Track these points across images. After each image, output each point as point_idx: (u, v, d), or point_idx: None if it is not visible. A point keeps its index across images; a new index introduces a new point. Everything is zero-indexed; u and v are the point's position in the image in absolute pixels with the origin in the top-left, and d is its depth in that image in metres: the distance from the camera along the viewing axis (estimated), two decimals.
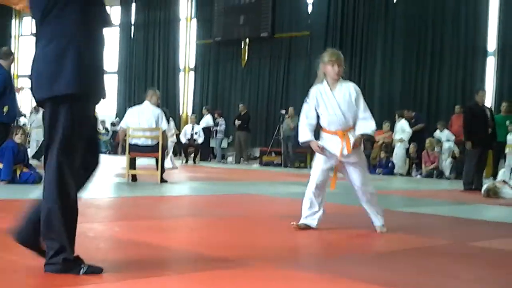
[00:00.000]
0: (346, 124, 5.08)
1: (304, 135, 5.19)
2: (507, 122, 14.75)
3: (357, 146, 5.07)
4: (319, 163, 5.23)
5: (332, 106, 5.09)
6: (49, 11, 3.20)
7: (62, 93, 3.16)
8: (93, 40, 3.28)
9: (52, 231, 3.14)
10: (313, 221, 5.23)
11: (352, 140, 5.06)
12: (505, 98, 15.95)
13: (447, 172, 15.27)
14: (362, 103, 5.10)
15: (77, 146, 3.23)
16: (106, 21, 3.38)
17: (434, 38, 17.55)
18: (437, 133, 16.03)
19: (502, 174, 10.40)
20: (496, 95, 16.28)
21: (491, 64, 16.81)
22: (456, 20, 17.14)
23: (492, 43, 16.77)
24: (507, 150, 14.76)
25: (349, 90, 5.11)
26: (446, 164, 15.37)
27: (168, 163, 12.85)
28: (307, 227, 5.20)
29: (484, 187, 9.70)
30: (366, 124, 5.09)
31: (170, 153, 13.78)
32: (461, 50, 17.05)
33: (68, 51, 3.16)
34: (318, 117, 5.17)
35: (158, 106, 10.02)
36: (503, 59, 16.46)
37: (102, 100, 3.42)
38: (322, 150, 5.15)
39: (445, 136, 15.78)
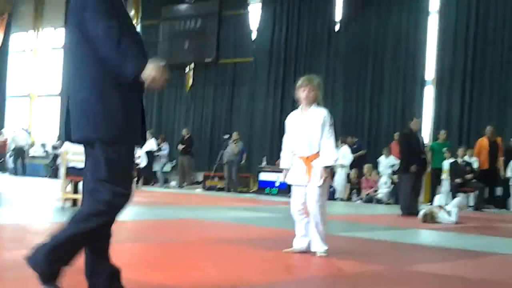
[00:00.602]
0: (311, 150, 5.20)
1: (283, 163, 5.43)
2: (444, 149, 15.19)
3: (324, 181, 5.18)
4: (293, 192, 5.38)
5: (299, 130, 5.25)
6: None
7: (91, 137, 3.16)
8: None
9: None
10: (302, 244, 5.34)
11: (313, 168, 5.17)
12: (443, 125, 16.42)
13: (386, 198, 15.53)
14: (326, 130, 5.19)
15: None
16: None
17: (374, 66, 17.95)
18: (382, 159, 16.29)
19: (438, 199, 10.63)
20: (435, 123, 16.72)
21: (429, 92, 17.28)
22: (396, 49, 17.59)
23: (430, 73, 17.26)
24: (443, 176, 15.17)
25: (318, 114, 5.22)
26: (386, 190, 15.63)
27: None
28: (298, 251, 5.32)
29: (421, 212, 9.91)
30: (328, 155, 5.18)
31: None
32: (400, 78, 17.49)
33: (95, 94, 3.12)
34: None
35: None
36: (441, 88, 16.94)
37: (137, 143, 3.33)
38: (285, 177, 5.39)
39: (391, 162, 16.06)
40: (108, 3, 3.11)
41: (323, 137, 5.19)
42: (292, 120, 5.38)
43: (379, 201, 15.33)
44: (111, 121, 3.09)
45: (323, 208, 5.27)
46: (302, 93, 5.27)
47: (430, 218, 9.57)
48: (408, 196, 11.25)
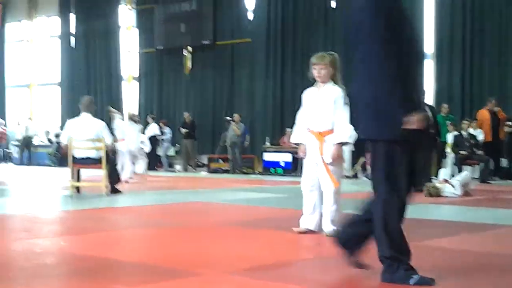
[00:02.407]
0: (325, 126, 5.18)
1: (296, 137, 5.44)
2: (447, 122, 15.16)
3: (335, 159, 5.14)
4: (305, 168, 5.35)
5: (314, 106, 5.24)
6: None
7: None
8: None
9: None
10: (310, 224, 5.32)
11: (326, 143, 5.15)
12: (445, 99, 16.37)
13: None
14: (341, 107, 5.13)
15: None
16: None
17: None
18: None
19: (443, 173, 10.60)
20: (436, 97, 16.67)
21: (429, 66, 17.21)
22: None
23: (429, 46, 17.18)
24: (448, 149, 15.15)
25: (332, 92, 5.18)
26: None
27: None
28: (307, 231, 5.30)
29: (425, 186, 9.91)
30: (342, 132, 5.13)
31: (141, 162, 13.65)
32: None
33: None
34: None
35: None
36: (441, 61, 16.87)
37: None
38: (303, 154, 5.34)
39: None
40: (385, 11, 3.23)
41: (337, 114, 5.14)
42: (308, 96, 5.35)
43: None
44: (392, 121, 3.20)
45: (340, 187, 5.23)
46: (315, 72, 5.23)
47: (434, 193, 9.57)
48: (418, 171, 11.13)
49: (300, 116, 5.42)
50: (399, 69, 3.19)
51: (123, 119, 14.10)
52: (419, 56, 3.37)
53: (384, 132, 3.25)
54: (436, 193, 9.55)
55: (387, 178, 3.29)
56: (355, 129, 3.45)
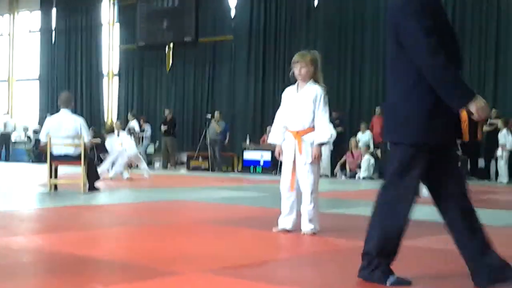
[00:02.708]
0: (302, 125, 5.19)
1: (273, 137, 5.44)
2: None
3: (316, 159, 5.17)
4: (283, 168, 5.35)
5: (293, 105, 5.24)
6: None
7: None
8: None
9: None
10: (287, 223, 5.33)
11: (304, 142, 5.17)
12: None
13: (365, 173, 15.54)
14: (321, 107, 5.16)
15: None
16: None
17: (355, 40, 17.97)
18: (359, 135, 16.41)
19: None
20: None
21: None
22: (375, 23, 17.59)
23: None
24: None
25: (312, 91, 5.19)
26: (365, 164, 15.68)
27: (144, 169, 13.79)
28: (284, 231, 5.31)
29: None
30: (322, 132, 5.15)
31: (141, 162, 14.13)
32: (381, 52, 17.51)
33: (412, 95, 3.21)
34: None
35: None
36: None
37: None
38: (279, 155, 5.35)
39: (366, 137, 16.17)
40: (427, 12, 3.15)
41: (317, 114, 5.15)
42: (287, 95, 5.35)
43: (363, 178, 15.41)
44: (415, 127, 3.22)
45: (314, 186, 5.23)
46: (295, 70, 5.23)
47: None
48: None
49: (279, 115, 5.41)
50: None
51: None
52: (460, 64, 3.38)
53: (406, 136, 3.28)
54: None
55: (399, 180, 3.34)
56: (383, 132, 3.49)
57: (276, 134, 5.40)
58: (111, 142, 13.41)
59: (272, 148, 16.19)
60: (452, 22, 16.14)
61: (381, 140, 16.00)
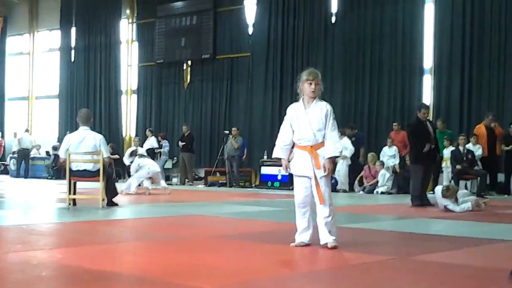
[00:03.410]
0: (315, 141, 5.27)
1: (276, 152, 5.48)
2: (444, 137, 15.20)
3: (329, 173, 5.25)
4: (297, 184, 5.40)
5: (303, 123, 5.30)
6: None
7: None
8: None
9: None
10: (305, 238, 5.37)
11: (320, 156, 5.24)
12: (442, 114, 16.43)
13: (383, 188, 15.45)
14: (331, 122, 5.27)
15: None
16: None
17: (372, 56, 17.95)
18: (385, 149, 16.26)
19: (438, 190, 10.50)
20: (434, 112, 16.72)
21: (427, 81, 17.28)
22: (393, 39, 17.57)
23: (428, 61, 17.25)
24: (443, 164, 15.18)
25: (321, 108, 5.28)
26: (386, 179, 15.59)
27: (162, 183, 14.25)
28: (303, 244, 5.35)
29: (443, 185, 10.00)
30: (334, 146, 5.25)
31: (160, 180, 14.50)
32: (399, 68, 17.49)
33: None
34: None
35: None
36: (439, 76, 16.93)
37: None
38: (286, 169, 5.40)
39: (393, 151, 16.04)
40: None
41: (327, 129, 5.26)
42: (295, 112, 5.38)
43: (382, 192, 15.32)
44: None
45: (330, 199, 5.32)
46: (308, 87, 5.29)
47: (451, 193, 9.68)
48: (419, 187, 11.04)
49: (283, 131, 5.44)
50: None
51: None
52: None
53: None
54: (451, 195, 9.69)
55: None
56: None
57: (282, 149, 5.43)
58: (135, 165, 13.95)
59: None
60: (471, 32, 16.15)
61: (399, 155, 15.93)
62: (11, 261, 4.59)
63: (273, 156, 5.59)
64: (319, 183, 5.25)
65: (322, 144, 5.28)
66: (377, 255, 5.09)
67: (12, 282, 3.77)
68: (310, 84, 5.29)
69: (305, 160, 5.30)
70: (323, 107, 5.30)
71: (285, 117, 5.47)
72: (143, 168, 13.73)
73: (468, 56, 16.43)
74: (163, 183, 14.46)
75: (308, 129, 5.28)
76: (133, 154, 14.56)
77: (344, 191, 16.02)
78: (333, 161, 5.34)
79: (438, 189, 10.04)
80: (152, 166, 13.97)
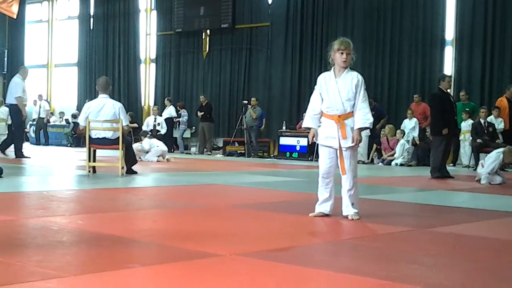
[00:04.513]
0: (344, 111, 5.22)
1: (307, 122, 5.43)
2: (466, 109, 15.05)
3: (356, 143, 5.22)
4: (322, 153, 5.37)
5: (333, 92, 5.24)
6: None
7: None
8: None
9: None
10: (326, 208, 5.37)
11: (347, 126, 5.20)
12: (463, 86, 16.24)
13: (401, 159, 15.34)
14: (362, 93, 5.23)
15: None
16: None
17: (392, 28, 17.73)
18: (406, 121, 16.13)
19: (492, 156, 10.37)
20: (455, 84, 16.53)
21: (449, 53, 17.06)
22: (414, 10, 17.33)
23: (450, 33, 17.02)
24: (461, 137, 15.03)
25: (352, 78, 5.24)
26: (404, 150, 15.46)
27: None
28: (322, 215, 5.35)
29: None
30: (364, 117, 5.20)
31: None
32: (420, 39, 17.27)
33: None
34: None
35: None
36: (461, 48, 16.71)
37: None
38: (312, 138, 5.38)
39: (413, 124, 15.92)
40: None
41: (358, 100, 5.20)
42: (325, 81, 5.32)
43: (401, 164, 15.23)
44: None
45: (355, 171, 5.30)
46: (340, 56, 5.24)
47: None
48: (439, 159, 10.93)
49: (314, 100, 5.38)
50: None
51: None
52: None
53: None
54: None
55: None
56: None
57: (311, 118, 5.38)
58: (146, 146, 14.46)
59: (308, 134, 16.08)
60: (494, 2, 15.86)
61: (419, 127, 15.80)
62: (32, 227, 4.63)
63: (303, 126, 5.58)
64: (344, 154, 5.22)
65: (350, 114, 5.22)
66: (397, 226, 5.08)
67: (34, 247, 3.81)
68: (342, 53, 5.23)
69: (331, 130, 5.25)
70: (354, 77, 5.24)
71: (316, 86, 5.41)
72: (153, 149, 14.32)
73: (490, 27, 16.18)
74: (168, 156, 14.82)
75: (337, 98, 5.22)
76: (144, 134, 15.12)
77: (364, 162, 15.96)
78: (360, 132, 5.25)
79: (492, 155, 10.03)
80: (161, 146, 14.53)
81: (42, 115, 22.70)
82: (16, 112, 13.14)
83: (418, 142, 15.62)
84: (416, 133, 15.78)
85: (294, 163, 15.31)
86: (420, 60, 17.27)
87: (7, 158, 12.82)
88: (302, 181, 9.88)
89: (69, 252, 3.72)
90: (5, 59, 26.75)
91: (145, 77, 23.63)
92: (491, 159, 9.87)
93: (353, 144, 5.20)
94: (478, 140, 14.06)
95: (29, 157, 13.11)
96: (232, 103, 20.94)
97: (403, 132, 15.60)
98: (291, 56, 19.54)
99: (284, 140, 17.67)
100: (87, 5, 24.52)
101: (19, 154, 13.17)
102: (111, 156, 11.74)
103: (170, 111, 19.66)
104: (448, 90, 11.51)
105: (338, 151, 5.23)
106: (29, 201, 6.39)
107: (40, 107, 22.74)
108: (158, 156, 14.29)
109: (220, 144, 20.11)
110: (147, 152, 14.26)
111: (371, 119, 5.24)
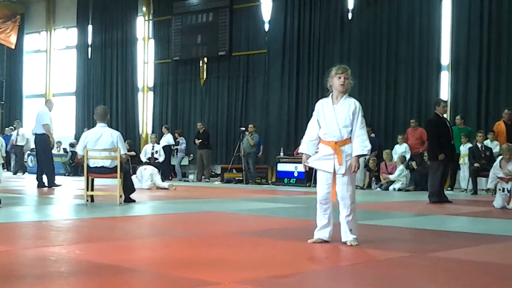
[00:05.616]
0: (341, 137, 5.24)
1: (303, 148, 5.47)
2: (462, 134, 15.09)
3: (354, 171, 5.22)
4: (319, 180, 5.37)
5: (330, 118, 5.27)
6: None
7: None
8: None
9: None
10: (324, 234, 5.37)
11: (344, 153, 5.21)
12: (460, 110, 16.31)
13: (399, 184, 15.35)
14: (359, 120, 5.24)
15: None
16: None
17: (389, 53, 17.86)
18: (397, 147, 16.22)
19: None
20: (451, 108, 16.60)
21: (445, 78, 17.16)
22: (410, 36, 17.47)
23: (445, 57, 17.13)
24: (461, 161, 15.07)
25: (349, 105, 5.26)
26: (402, 179, 15.49)
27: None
28: (321, 241, 5.35)
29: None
30: (362, 144, 5.21)
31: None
32: (416, 64, 17.38)
33: None
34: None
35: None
36: (457, 72, 16.80)
37: None
38: (305, 165, 5.44)
39: (403, 149, 16.00)
40: None
41: (356, 127, 5.22)
42: (322, 107, 5.35)
43: (399, 189, 15.22)
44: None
45: (353, 197, 5.29)
46: (338, 80, 5.28)
47: None
48: (437, 184, 10.95)
49: (311, 126, 5.41)
50: None
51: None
52: None
53: None
54: None
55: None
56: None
57: (307, 144, 5.41)
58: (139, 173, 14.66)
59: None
60: (489, 27, 15.99)
61: (416, 152, 15.83)
62: (31, 257, 4.61)
63: (299, 151, 5.63)
64: (342, 181, 5.23)
65: (347, 141, 5.24)
66: (394, 251, 5.07)
67: (32, 277, 3.79)
68: (340, 77, 5.27)
69: (327, 155, 5.27)
70: (351, 104, 5.27)
71: (313, 113, 5.44)
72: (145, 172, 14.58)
73: (486, 51, 16.29)
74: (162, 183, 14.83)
75: (334, 124, 5.25)
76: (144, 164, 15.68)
77: (361, 187, 15.96)
78: (359, 159, 5.26)
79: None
80: (148, 169, 14.77)
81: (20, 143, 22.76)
82: (43, 140, 13.31)
83: (415, 167, 15.62)
84: (407, 158, 15.80)
85: (292, 189, 15.30)
86: (416, 85, 17.36)
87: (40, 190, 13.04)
88: (301, 207, 9.87)
89: (68, 282, 3.71)
90: (3, 89, 26.88)
91: (143, 105, 23.71)
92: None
93: (351, 171, 5.21)
94: (476, 164, 14.08)
95: (60, 185, 13.56)
96: (230, 130, 20.99)
97: (404, 158, 15.62)
98: (288, 83, 19.64)
99: (281, 167, 17.69)
100: (85, 35, 24.70)
101: (51, 183, 13.34)
102: (109, 185, 11.73)
103: (168, 139, 19.70)
104: (444, 115, 11.58)
105: (337, 175, 5.24)
106: (27, 231, 6.37)
107: (18, 134, 22.81)
108: (151, 182, 14.36)
109: (218, 171, 20.11)
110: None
111: (369, 146, 5.25)
